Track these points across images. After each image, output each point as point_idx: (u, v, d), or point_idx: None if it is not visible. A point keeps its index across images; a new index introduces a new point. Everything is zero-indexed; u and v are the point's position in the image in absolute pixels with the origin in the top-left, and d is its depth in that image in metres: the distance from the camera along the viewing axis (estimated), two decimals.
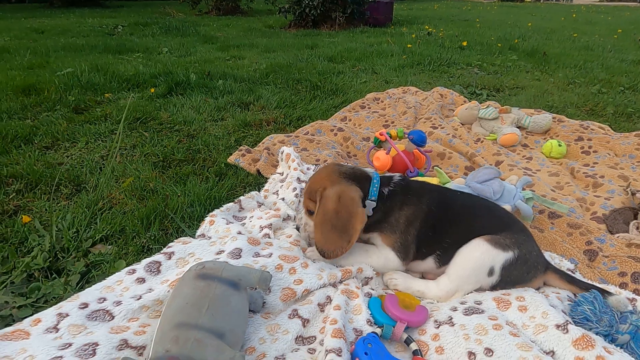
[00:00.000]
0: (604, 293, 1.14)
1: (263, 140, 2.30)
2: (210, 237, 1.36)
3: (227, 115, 2.78)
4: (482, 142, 2.37)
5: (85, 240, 1.43)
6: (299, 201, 1.64)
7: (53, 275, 1.27)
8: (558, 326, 0.99)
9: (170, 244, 1.27)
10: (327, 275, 1.18)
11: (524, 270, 1.17)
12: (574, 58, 4.91)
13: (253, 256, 1.19)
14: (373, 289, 1.23)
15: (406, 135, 2.01)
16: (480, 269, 1.16)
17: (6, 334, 0.92)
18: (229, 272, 0.99)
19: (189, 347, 0.82)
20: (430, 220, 1.24)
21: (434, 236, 1.24)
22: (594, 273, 1.34)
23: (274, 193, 1.74)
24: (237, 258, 1.16)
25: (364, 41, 6.15)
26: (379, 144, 2.11)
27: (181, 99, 3.07)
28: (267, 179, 1.89)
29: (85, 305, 1.01)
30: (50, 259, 1.32)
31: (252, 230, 1.41)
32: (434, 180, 1.72)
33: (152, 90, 3.22)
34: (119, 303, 1.03)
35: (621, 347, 1.00)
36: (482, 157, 2.17)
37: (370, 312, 1.09)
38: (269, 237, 1.36)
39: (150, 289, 1.09)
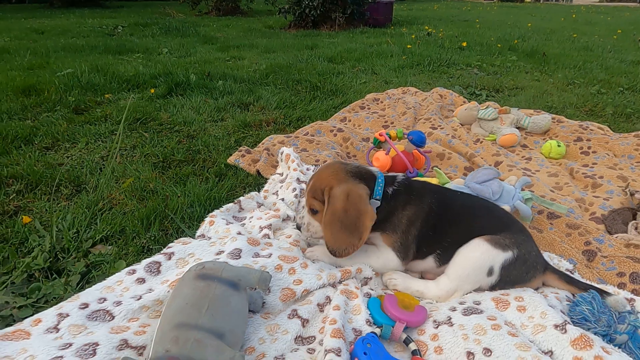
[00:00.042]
0: (603, 293, 1.14)
1: (263, 141, 2.30)
2: (210, 238, 1.36)
3: (227, 115, 2.79)
4: (481, 142, 2.38)
5: (86, 240, 1.43)
6: (299, 201, 1.64)
7: (53, 276, 1.27)
8: (556, 326, 0.99)
9: (170, 245, 1.28)
10: (326, 275, 1.18)
11: (523, 270, 1.18)
12: (573, 58, 4.92)
13: (253, 256, 1.19)
14: (372, 289, 1.23)
15: (405, 136, 2.02)
16: (480, 268, 1.16)
17: (7, 334, 0.93)
18: (228, 272, 0.99)
19: (188, 347, 0.82)
20: (431, 220, 1.24)
21: (434, 236, 1.24)
22: (593, 273, 1.35)
23: (273, 193, 1.75)
24: (237, 258, 1.16)
25: (363, 42, 6.16)
26: (378, 144, 2.11)
27: (181, 100, 3.07)
28: (266, 179, 1.89)
29: (85, 306, 1.01)
30: (51, 259, 1.33)
31: (252, 231, 1.42)
32: (433, 181, 1.72)
33: (152, 90, 3.22)
34: (119, 303, 1.03)
35: (619, 347, 1.01)
36: (482, 158, 2.18)
37: (369, 312, 1.10)
38: (269, 238, 1.36)
39: (150, 289, 1.10)
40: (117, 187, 1.79)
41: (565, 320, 1.01)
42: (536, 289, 1.20)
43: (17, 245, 1.41)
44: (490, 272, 1.16)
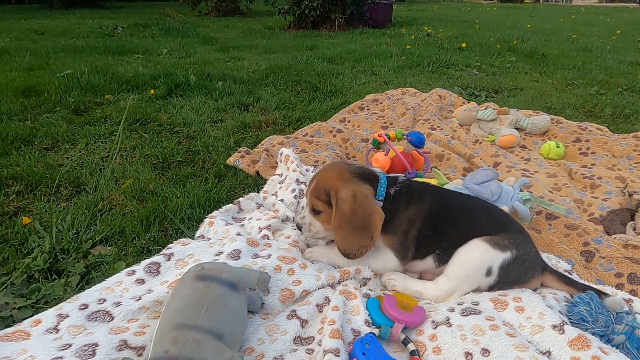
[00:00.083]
0: (601, 294, 1.15)
1: (262, 142, 2.31)
2: (209, 239, 1.37)
3: (226, 116, 2.79)
4: (480, 143, 2.38)
5: (85, 241, 1.43)
6: (298, 202, 1.64)
7: (53, 277, 1.27)
8: (554, 327, 1.00)
9: (169, 245, 1.28)
10: (325, 276, 1.19)
11: (521, 270, 1.18)
12: (572, 59, 4.93)
13: (252, 257, 1.20)
14: (371, 290, 1.24)
15: (405, 137, 2.02)
16: (479, 269, 1.17)
17: (7, 334, 0.93)
18: (227, 273, 1.00)
19: (188, 348, 0.83)
20: (430, 220, 1.24)
21: (433, 236, 1.25)
22: (591, 274, 1.35)
23: (273, 194, 1.75)
24: (236, 259, 1.17)
25: (363, 42, 6.16)
26: (377, 145, 2.12)
27: (181, 101, 3.08)
28: (266, 180, 1.89)
29: (85, 306, 1.01)
30: (50, 260, 1.33)
31: (251, 232, 1.42)
32: (432, 182, 1.73)
33: (152, 91, 3.23)
34: (118, 304, 1.03)
35: (617, 348, 1.01)
36: (481, 159, 2.18)
37: (368, 313, 1.10)
38: (268, 239, 1.37)
39: (149, 290, 1.10)
40: (116, 188, 1.79)
41: (563, 321, 1.01)
42: (535, 290, 1.21)
43: (17, 246, 1.41)
44: (488, 273, 1.17)
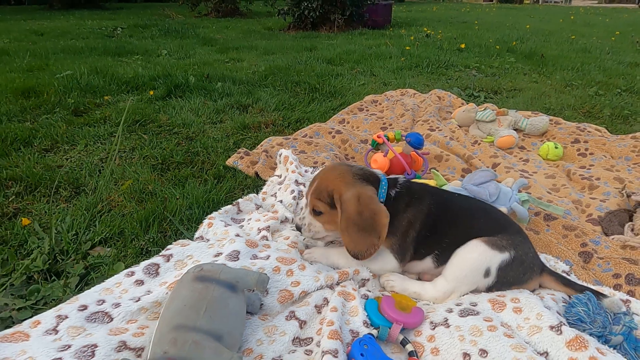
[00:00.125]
0: (598, 295, 1.15)
1: (261, 143, 2.31)
2: (208, 240, 1.37)
3: (225, 117, 2.80)
4: (479, 144, 2.39)
5: (85, 242, 1.44)
6: (297, 203, 1.65)
7: (52, 278, 1.28)
8: (552, 327, 1.00)
9: (168, 247, 1.29)
10: (324, 277, 1.19)
11: (520, 271, 1.19)
12: (571, 60, 4.94)
13: (251, 258, 1.20)
14: (370, 291, 1.24)
15: (404, 138, 2.03)
16: (477, 270, 1.17)
17: (6, 335, 0.93)
18: (226, 274, 1.00)
19: (186, 349, 0.83)
20: (429, 221, 1.25)
21: (432, 237, 1.25)
22: (589, 275, 1.36)
23: (272, 195, 1.75)
24: (235, 260, 1.17)
25: (362, 43, 6.17)
26: (376, 146, 2.12)
27: (180, 102, 3.08)
28: (265, 181, 1.90)
29: (84, 307, 1.02)
30: (50, 261, 1.33)
31: (250, 233, 1.43)
32: (431, 183, 1.73)
33: (151, 92, 3.23)
34: (117, 305, 1.04)
35: (614, 348, 1.01)
36: (479, 160, 2.19)
37: (366, 314, 1.11)
38: (267, 240, 1.37)
39: (148, 291, 1.10)
40: (116, 189, 1.80)
41: (561, 322, 1.02)
42: (533, 291, 1.21)
43: (16, 247, 1.41)
44: (487, 274, 1.17)
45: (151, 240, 1.46)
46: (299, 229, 1.34)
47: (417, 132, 2.10)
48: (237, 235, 1.33)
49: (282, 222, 1.51)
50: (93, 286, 1.12)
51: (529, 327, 1.03)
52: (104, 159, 2.09)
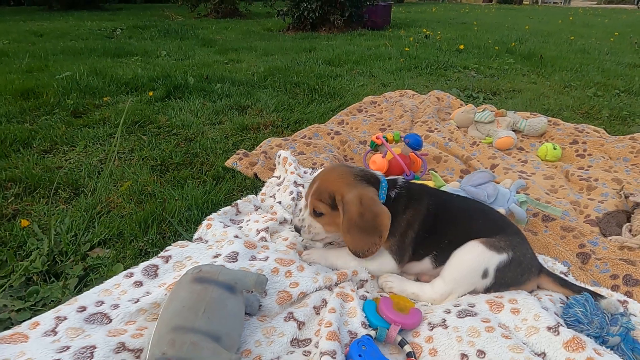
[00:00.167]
0: (596, 296, 1.15)
1: (260, 144, 2.31)
2: (207, 241, 1.37)
3: (225, 118, 2.80)
4: (477, 145, 2.39)
5: (84, 244, 1.44)
6: (296, 204, 1.65)
7: (51, 279, 1.28)
8: (549, 328, 1.00)
9: (167, 248, 1.29)
10: (322, 278, 1.20)
11: (518, 272, 1.19)
12: (570, 61, 4.95)
13: (249, 260, 1.21)
14: (368, 292, 1.24)
15: (402, 139, 2.03)
16: (475, 271, 1.18)
17: (5, 337, 0.93)
18: (225, 275, 1.00)
19: (185, 350, 0.83)
20: (428, 222, 1.26)
21: (431, 237, 1.26)
22: (587, 276, 1.36)
23: (271, 196, 1.76)
24: (234, 261, 1.17)
25: (362, 44, 6.18)
26: (375, 147, 2.12)
27: (179, 103, 3.08)
28: (264, 182, 1.90)
29: (83, 309, 1.02)
30: (49, 262, 1.33)
31: (249, 234, 1.43)
32: (429, 184, 1.74)
33: (151, 93, 3.24)
34: (116, 306, 1.04)
35: (612, 349, 1.02)
36: (478, 161, 2.19)
37: (364, 315, 1.11)
38: (266, 241, 1.37)
39: (147, 292, 1.11)
40: (115, 190, 1.80)
41: (558, 323, 1.02)
42: (531, 292, 1.22)
43: (15, 248, 1.41)
44: (485, 275, 1.17)
45: (150, 241, 1.47)
46: (298, 230, 1.34)
47: (416, 133, 2.10)
48: (236, 236, 1.33)
49: (281, 223, 1.52)
50: (92, 287, 1.12)
51: (526, 328, 1.03)
52: (103, 160, 2.10)
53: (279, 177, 1.88)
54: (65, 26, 7.81)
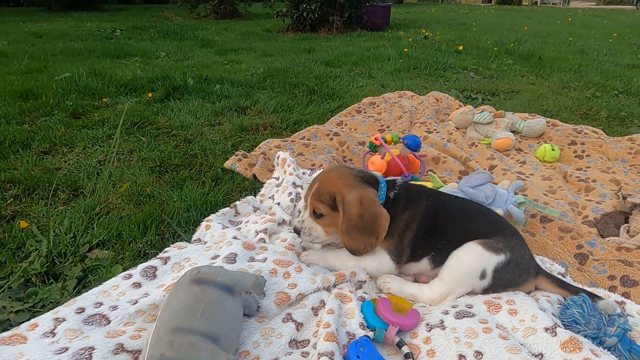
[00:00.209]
0: (594, 297, 1.16)
1: (259, 145, 2.32)
2: (205, 242, 1.38)
3: (224, 119, 2.80)
4: (476, 146, 2.40)
5: (82, 245, 1.44)
6: (294, 205, 1.65)
7: (50, 280, 1.28)
8: (547, 329, 1.01)
9: (166, 249, 1.29)
10: (320, 279, 1.20)
11: (515, 273, 1.19)
12: (569, 62, 4.96)
13: (248, 261, 1.21)
14: (366, 293, 1.25)
15: (401, 140, 2.04)
16: (473, 272, 1.18)
17: (4, 338, 0.94)
18: (223, 276, 1.01)
19: (183, 351, 0.83)
20: (426, 223, 1.26)
21: (429, 238, 1.26)
22: (584, 276, 1.36)
23: (269, 198, 1.76)
24: (232, 263, 1.18)
25: (361, 45, 6.19)
26: (374, 148, 2.13)
27: (178, 104, 3.09)
28: (263, 183, 1.90)
29: (81, 310, 1.02)
30: (48, 264, 1.34)
31: (248, 235, 1.43)
32: (427, 185, 1.74)
33: (150, 94, 3.24)
34: (115, 307, 1.04)
35: (609, 350, 1.02)
36: (476, 162, 2.19)
37: (363, 316, 1.11)
38: (264, 242, 1.38)
39: (146, 294, 1.11)
40: (114, 191, 1.80)
41: (556, 323, 1.03)
42: (528, 293, 1.22)
43: (14, 250, 1.42)
44: (483, 276, 1.18)
45: (149, 242, 1.47)
46: (297, 232, 1.34)
47: (415, 135, 2.11)
48: (235, 237, 1.33)
49: (279, 224, 1.52)
50: (91, 289, 1.12)
51: (524, 329, 1.04)
52: (102, 162, 2.10)
53: (277, 178, 1.89)
54: (65, 27, 7.82)
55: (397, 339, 1.05)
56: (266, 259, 1.22)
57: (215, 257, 1.22)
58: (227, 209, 1.59)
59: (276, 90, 3.59)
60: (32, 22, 8.77)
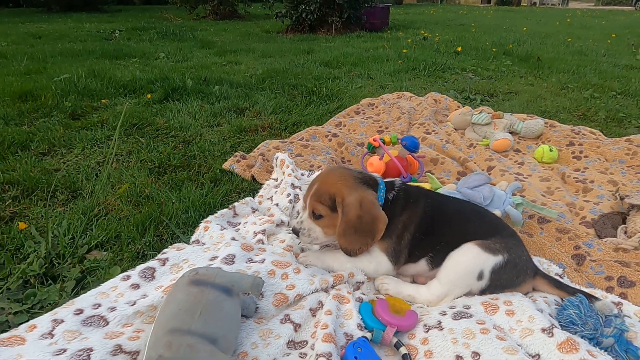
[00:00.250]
0: (591, 298, 1.16)
1: (258, 146, 2.32)
2: (204, 243, 1.38)
3: (222, 121, 2.81)
4: (474, 147, 2.40)
5: (81, 246, 1.44)
6: (293, 207, 1.66)
7: (49, 282, 1.28)
8: (544, 330, 1.01)
9: (164, 250, 1.29)
10: (318, 280, 1.20)
11: (513, 274, 1.20)
12: (567, 63, 4.97)
13: (246, 262, 1.21)
14: (364, 294, 1.25)
15: (399, 141, 2.04)
16: (471, 273, 1.18)
17: (2, 339, 0.94)
18: (222, 278, 1.01)
19: (181, 353, 0.84)
20: (424, 224, 1.27)
21: (427, 239, 1.26)
22: (582, 277, 1.37)
23: (268, 199, 1.76)
24: (231, 264, 1.18)
25: (360, 46, 6.19)
26: (372, 149, 2.13)
27: (177, 105, 3.09)
28: (261, 184, 1.91)
29: (80, 311, 1.02)
30: (46, 265, 1.34)
31: (246, 236, 1.43)
32: (426, 186, 1.74)
33: (149, 96, 3.24)
34: (113, 309, 1.04)
35: (606, 350, 1.03)
36: (475, 163, 2.20)
37: (360, 317, 1.12)
38: (263, 243, 1.38)
39: (144, 295, 1.11)
40: (112, 192, 1.80)
41: (552, 324, 1.03)
42: (526, 294, 1.23)
43: (12, 251, 1.42)
44: (480, 276, 1.18)
45: (147, 244, 1.47)
46: (296, 232, 1.34)
47: (413, 136, 2.11)
48: (233, 238, 1.33)
49: (278, 225, 1.52)
50: (89, 290, 1.13)
51: (521, 330, 1.04)
52: (101, 163, 2.10)
53: (276, 180, 1.89)
54: (64, 28, 7.82)
55: (394, 340, 1.05)
56: (264, 260, 1.22)
57: (214, 258, 1.22)
58: (225, 210, 1.59)
59: (275, 91, 3.59)
60: (31, 23, 8.77)
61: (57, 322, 0.99)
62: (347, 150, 2.33)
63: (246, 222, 1.54)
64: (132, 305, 1.06)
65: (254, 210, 1.65)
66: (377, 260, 1.28)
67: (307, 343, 1.06)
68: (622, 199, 1.76)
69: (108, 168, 1.97)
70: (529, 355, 0.98)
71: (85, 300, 1.07)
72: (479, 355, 0.97)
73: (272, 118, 2.86)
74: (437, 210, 1.30)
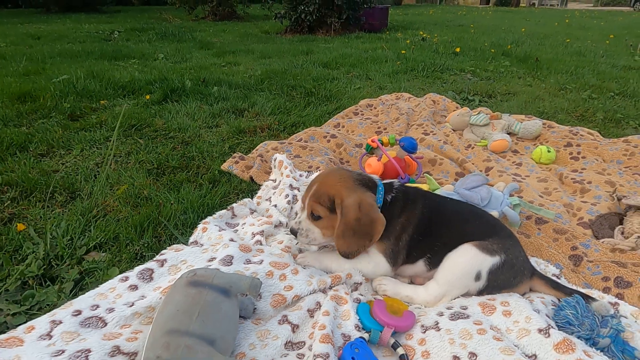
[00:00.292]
0: (587, 298, 1.17)
1: (257, 147, 2.32)
2: (202, 245, 1.38)
3: (221, 122, 2.81)
4: (472, 148, 2.41)
5: (79, 247, 1.44)
6: (291, 208, 1.66)
7: (47, 283, 1.28)
8: (540, 330, 1.02)
9: (162, 252, 1.30)
10: (316, 281, 1.20)
11: (510, 275, 1.20)
12: (565, 64, 4.98)
13: (244, 263, 1.21)
14: (362, 295, 1.25)
15: (397, 142, 2.05)
16: (468, 273, 1.19)
17: (0, 341, 0.94)
18: (220, 279, 1.01)
19: (179, 354, 0.84)
20: (422, 225, 1.27)
21: (424, 240, 1.27)
22: (579, 278, 1.37)
23: (266, 200, 1.77)
24: (229, 265, 1.18)
25: (358, 47, 6.20)
26: (371, 150, 2.14)
27: (176, 106, 3.09)
28: (260, 185, 1.91)
29: (78, 313, 1.02)
30: (45, 266, 1.34)
31: (244, 237, 1.44)
32: (423, 187, 1.75)
33: (148, 97, 3.24)
34: (111, 310, 1.05)
35: (602, 351, 1.03)
36: (473, 163, 2.20)
37: (358, 318, 1.12)
38: (261, 244, 1.38)
39: (142, 296, 1.11)
40: (111, 193, 1.81)
41: (549, 325, 1.03)
42: (523, 294, 1.23)
43: (11, 252, 1.42)
44: (477, 277, 1.18)
45: (146, 245, 1.47)
46: (294, 233, 1.34)
47: (411, 137, 2.12)
48: (231, 240, 1.34)
49: (276, 226, 1.53)
50: (87, 291, 1.13)
51: (518, 330, 1.05)
52: (99, 164, 2.10)
53: (274, 181, 1.89)
54: (63, 29, 7.82)
55: (392, 341, 1.06)
56: (262, 261, 1.23)
57: (212, 259, 1.23)
58: (224, 211, 1.59)
59: (274, 92, 3.60)
60: (30, 23, 8.77)
61: (56, 323, 0.99)
62: (346, 151, 2.33)
63: (244, 223, 1.55)
64: (130, 306, 1.06)
65: (252, 211, 1.66)
66: (375, 261, 1.28)
67: (304, 344, 1.06)
68: (619, 199, 1.76)
69: (107, 169, 1.97)
70: (526, 355, 0.99)
71: (83, 301, 1.07)
72: (476, 356, 0.98)
73: (270, 119, 2.87)
74: (435, 211, 1.31)
